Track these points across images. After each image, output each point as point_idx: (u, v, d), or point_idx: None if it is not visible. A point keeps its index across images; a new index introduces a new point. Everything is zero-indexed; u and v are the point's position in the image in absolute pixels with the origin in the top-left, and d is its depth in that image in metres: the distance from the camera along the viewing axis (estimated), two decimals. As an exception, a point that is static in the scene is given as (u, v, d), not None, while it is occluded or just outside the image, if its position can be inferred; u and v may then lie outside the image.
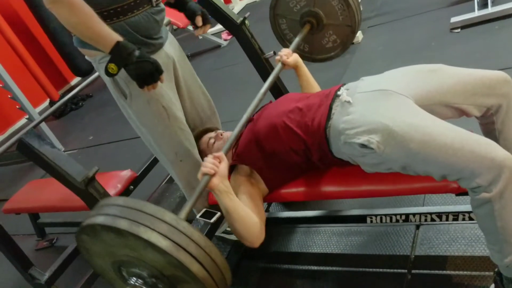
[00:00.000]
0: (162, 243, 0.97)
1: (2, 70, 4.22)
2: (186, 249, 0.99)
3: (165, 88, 1.74)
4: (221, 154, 1.38)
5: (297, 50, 1.94)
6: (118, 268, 1.13)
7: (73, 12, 1.43)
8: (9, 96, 4.42)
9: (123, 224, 0.98)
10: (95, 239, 1.07)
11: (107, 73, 1.50)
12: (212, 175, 1.33)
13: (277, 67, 1.78)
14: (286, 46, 2.03)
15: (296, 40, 1.95)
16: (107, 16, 1.55)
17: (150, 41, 1.68)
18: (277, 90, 2.15)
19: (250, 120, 1.76)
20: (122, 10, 1.57)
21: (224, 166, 1.36)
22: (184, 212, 1.22)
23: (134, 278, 1.10)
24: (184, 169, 1.91)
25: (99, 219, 1.02)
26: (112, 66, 1.47)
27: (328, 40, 2.09)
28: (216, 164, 1.34)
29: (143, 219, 0.99)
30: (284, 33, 2.17)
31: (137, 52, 1.47)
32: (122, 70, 1.51)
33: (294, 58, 1.83)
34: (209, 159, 1.35)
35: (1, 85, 4.37)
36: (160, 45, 1.74)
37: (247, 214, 1.42)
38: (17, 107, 4.49)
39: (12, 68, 4.90)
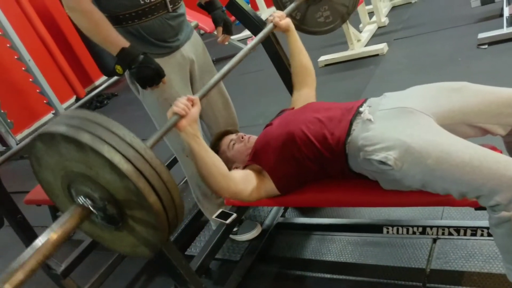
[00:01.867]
0: (124, 165, 0.92)
1: (33, 65, 4.35)
2: (148, 178, 0.95)
3: (176, 88, 1.81)
4: (196, 98, 1.40)
5: (290, 17, 1.95)
6: (67, 186, 1.07)
7: (86, 18, 1.57)
8: (37, 90, 4.54)
9: (86, 138, 0.92)
10: (51, 149, 1.01)
11: (115, 72, 1.65)
12: (182, 116, 1.34)
13: (268, 27, 1.79)
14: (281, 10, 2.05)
15: (292, 5, 1.96)
16: (122, 19, 1.67)
17: (164, 44, 1.77)
18: (277, 58, 2.14)
19: (269, 124, 1.77)
20: (137, 14, 1.67)
21: (195, 110, 1.38)
22: (151, 140, 1.23)
23: (82, 197, 1.04)
24: (189, 164, 1.99)
25: (61, 129, 0.95)
26: (118, 67, 1.62)
27: (322, 15, 2.12)
28: (188, 106, 1.36)
29: (109, 138, 0.94)
30: None
31: (140, 58, 1.59)
32: None
33: (287, 21, 1.85)
34: (182, 100, 1.36)
35: (30, 80, 4.50)
36: (177, 47, 1.81)
37: (213, 162, 1.43)
38: (45, 102, 4.61)
39: (42, 64, 5.04)
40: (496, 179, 1.17)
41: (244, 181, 1.55)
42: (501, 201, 1.17)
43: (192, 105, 1.38)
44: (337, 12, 2.08)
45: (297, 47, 1.91)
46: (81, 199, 1.05)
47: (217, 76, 1.53)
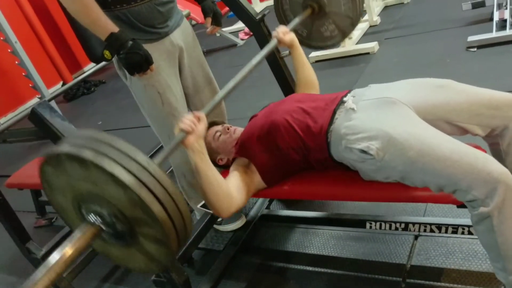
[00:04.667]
0: (125, 177, 0.93)
1: (19, 47, 4.27)
2: (151, 189, 0.96)
3: (163, 74, 1.80)
4: (202, 114, 1.40)
5: (295, 33, 1.93)
6: (78, 205, 1.09)
7: (74, 0, 1.54)
8: (23, 74, 4.47)
9: (87, 154, 0.94)
10: (58, 171, 1.04)
11: (103, 58, 1.62)
12: (189, 133, 1.34)
13: (272, 43, 1.79)
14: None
15: (295, 20, 1.95)
16: (110, 3, 1.65)
17: (152, 30, 1.75)
18: (279, 70, 2.15)
19: (253, 116, 1.78)
20: None
21: (202, 127, 1.38)
22: (159, 158, 1.23)
23: (92, 215, 1.06)
24: (175, 153, 1.94)
25: (65, 148, 0.98)
26: (107, 53, 1.59)
27: (327, 28, 2.10)
28: (195, 123, 1.35)
29: (111, 153, 0.95)
30: (286, 14, 2.16)
31: (129, 44, 1.57)
32: None
33: (291, 37, 1.84)
34: (188, 117, 1.36)
35: (16, 62, 4.42)
36: (166, 33, 1.80)
37: (217, 180, 1.42)
38: (30, 85, 4.54)
39: (29, 47, 4.95)
40: (474, 174, 1.19)
41: (239, 192, 1.53)
42: (478, 195, 1.19)
43: (199, 122, 1.37)
44: (342, 24, 2.06)
45: (302, 62, 1.91)
46: (91, 217, 1.07)
47: (222, 92, 1.52)
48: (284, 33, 1.81)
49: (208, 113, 1.45)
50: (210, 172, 1.40)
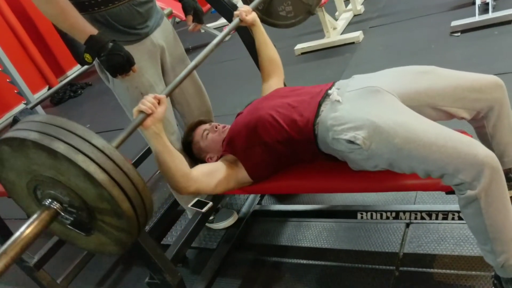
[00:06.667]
0: (100, 175, 0.95)
1: (1, 53, 4.21)
2: (122, 186, 0.98)
3: (146, 75, 1.78)
4: (163, 96, 1.40)
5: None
6: (34, 188, 1.08)
7: (51, 4, 1.51)
8: (7, 80, 4.42)
9: (61, 148, 0.93)
10: (18, 153, 1.02)
11: (84, 61, 1.59)
12: (148, 115, 1.34)
13: (234, 22, 1.82)
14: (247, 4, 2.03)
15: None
16: (88, 6, 1.62)
17: (132, 31, 1.73)
18: (252, 46, 2.09)
19: (240, 113, 1.77)
20: (103, 1, 1.63)
21: (161, 110, 1.37)
22: (117, 140, 1.23)
23: (50, 199, 1.05)
24: None
25: (33, 135, 0.96)
26: (87, 56, 1.57)
27: (284, 8, 2.14)
28: (155, 105, 1.35)
29: (85, 148, 0.96)
30: None
31: (109, 45, 1.55)
32: None
33: (253, 16, 1.86)
34: (149, 98, 1.36)
35: (0, 69, 4.37)
36: (146, 34, 1.78)
37: (174, 162, 1.43)
38: (15, 91, 4.50)
39: (12, 52, 4.89)
40: (460, 158, 1.20)
41: (208, 176, 1.54)
42: (465, 179, 1.20)
43: (159, 104, 1.37)
44: (300, 8, 2.10)
45: (264, 41, 1.93)
46: (48, 202, 1.06)
47: (183, 72, 1.53)
48: (246, 12, 1.83)
49: (168, 94, 1.45)
50: (167, 153, 1.41)
